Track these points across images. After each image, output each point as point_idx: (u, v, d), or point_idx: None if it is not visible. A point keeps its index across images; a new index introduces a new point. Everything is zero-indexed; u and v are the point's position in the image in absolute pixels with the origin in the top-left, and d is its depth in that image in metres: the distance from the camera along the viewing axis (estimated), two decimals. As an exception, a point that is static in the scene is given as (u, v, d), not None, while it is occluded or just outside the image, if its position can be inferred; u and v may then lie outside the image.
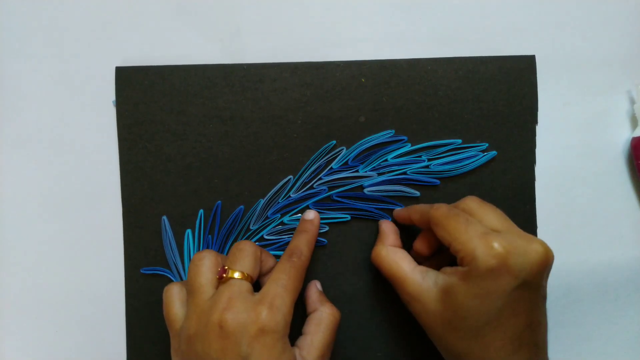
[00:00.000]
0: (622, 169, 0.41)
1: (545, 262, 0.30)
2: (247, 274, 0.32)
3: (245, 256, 0.33)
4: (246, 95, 0.39)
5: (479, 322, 0.30)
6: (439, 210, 0.33)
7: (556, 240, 0.41)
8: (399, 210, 0.38)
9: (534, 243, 0.30)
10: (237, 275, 0.32)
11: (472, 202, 0.34)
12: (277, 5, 0.41)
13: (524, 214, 0.40)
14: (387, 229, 0.37)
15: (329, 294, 0.39)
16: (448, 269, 0.32)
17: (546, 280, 0.31)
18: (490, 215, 0.32)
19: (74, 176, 0.40)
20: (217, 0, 0.41)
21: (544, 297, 0.31)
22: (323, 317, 0.34)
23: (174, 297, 0.33)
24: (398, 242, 0.37)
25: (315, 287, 0.37)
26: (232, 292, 0.31)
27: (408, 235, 0.40)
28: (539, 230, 0.40)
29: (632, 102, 0.41)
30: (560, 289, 0.40)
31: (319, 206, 0.39)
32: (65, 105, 0.40)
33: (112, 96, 0.40)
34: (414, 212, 0.36)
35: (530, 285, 0.30)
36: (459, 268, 0.31)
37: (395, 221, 0.39)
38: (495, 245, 0.29)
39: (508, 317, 0.30)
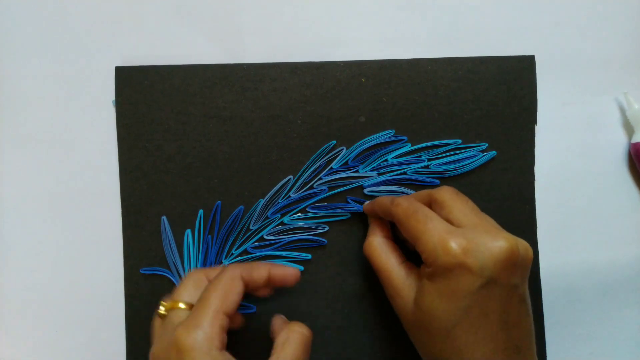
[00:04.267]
0: (622, 168, 0.41)
1: (510, 259, 0.29)
2: (175, 301, 0.32)
3: (181, 284, 0.33)
4: (246, 95, 0.39)
5: (448, 323, 0.29)
6: (399, 208, 0.32)
7: (556, 240, 0.41)
8: (366, 204, 0.38)
9: (498, 239, 0.29)
10: (162, 309, 0.32)
11: (445, 193, 0.33)
12: (277, 5, 0.41)
13: (523, 214, 0.40)
14: (378, 220, 0.37)
15: (329, 294, 0.39)
16: (422, 268, 0.31)
17: (520, 278, 0.30)
18: (459, 209, 0.32)
19: (73, 176, 0.40)
20: (217, 0, 0.41)
21: (520, 297, 0.30)
22: (289, 335, 0.31)
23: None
24: (388, 234, 0.36)
25: (278, 317, 0.35)
26: (160, 327, 0.31)
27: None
28: (538, 230, 0.40)
29: (623, 110, 0.41)
30: (560, 289, 0.40)
31: (319, 206, 0.39)
32: (65, 105, 0.40)
33: (112, 96, 0.40)
34: (378, 207, 0.36)
35: (498, 283, 0.29)
36: (425, 270, 0.30)
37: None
38: (453, 244, 0.29)
39: (478, 317, 0.29)
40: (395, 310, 0.33)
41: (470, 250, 0.29)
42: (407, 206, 0.32)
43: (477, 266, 0.28)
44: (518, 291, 0.30)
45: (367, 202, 0.38)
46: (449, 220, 0.31)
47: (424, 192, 0.35)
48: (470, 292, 0.29)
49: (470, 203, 0.33)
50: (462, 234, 0.29)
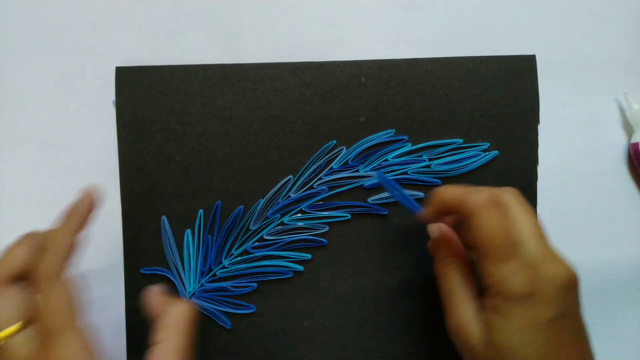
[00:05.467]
0: (623, 169, 0.41)
1: (574, 286, 0.28)
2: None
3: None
4: (246, 95, 0.39)
5: (532, 359, 0.27)
6: (480, 209, 0.29)
7: (556, 240, 0.40)
8: (426, 211, 0.33)
9: (564, 267, 0.28)
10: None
11: (512, 199, 0.30)
12: (277, 5, 0.41)
13: (524, 214, 0.40)
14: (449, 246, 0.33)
15: (329, 294, 0.39)
16: (487, 300, 0.29)
17: (580, 306, 0.29)
18: (524, 222, 0.29)
19: (74, 176, 0.40)
20: (217, 0, 0.41)
21: (583, 324, 0.29)
22: (171, 318, 0.29)
23: None
24: (465, 262, 0.33)
25: (154, 290, 0.32)
26: None
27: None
28: (539, 230, 0.40)
29: (622, 110, 0.41)
30: (560, 289, 0.40)
31: (319, 206, 0.39)
32: (65, 105, 0.40)
33: (112, 96, 0.40)
34: (445, 197, 0.31)
35: (568, 313, 0.28)
36: (492, 301, 0.28)
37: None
38: (525, 275, 0.27)
39: (558, 349, 0.27)
40: (458, 349, 0.31)
41: (541, 278, 0.27)
42: (490, 209, 0.29)
43: (550, 296, 0.27)
44: (581, 320, 0.29)
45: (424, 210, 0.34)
46: (510, 229, 0.29)
47: (486, 192, 0.30)
48: (548, 321, 0.27)
49: (534, 217, 0.30)
50: (532, 262, 0.28)
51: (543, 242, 0.29)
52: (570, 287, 0.28)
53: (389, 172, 0.39)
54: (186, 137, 0.39)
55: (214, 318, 0.39)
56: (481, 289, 0.30)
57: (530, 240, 0.29)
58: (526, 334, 0.27)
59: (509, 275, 0.27)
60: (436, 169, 0.39)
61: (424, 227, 0.40)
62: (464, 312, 0.30)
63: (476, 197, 0.30)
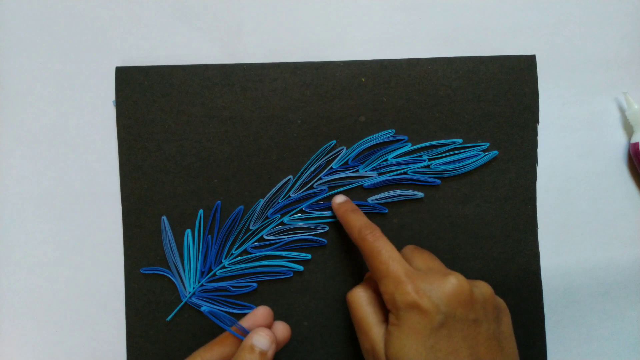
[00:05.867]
0: (622, 169, 0.41)
1: (461, 293, 0.30)
2: None
3: None
4: (246, 95, 0.39)
5: None
6: (365, 243, 0.34)
7: (556, 240, 0.41)
8: (337, 208, 0.38)
9: (448, 277, 0.31)
10: None
11: (405, 250, 0.36)
12: (277, 5, 0.41)
13: (525, 214, 0.40)
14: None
15: (329, 294, 0.39)
16: (389, 316, 0.32)
17: (482, 314, 0.31)
18: (418, 258, 0.34)
19: (74, 176, 0.40)
20: (217, 0, 0.41)
21: (488, 334, 0.31)
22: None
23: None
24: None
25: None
26: None
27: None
28: (539, 230, 0.40)
29: (622, 109, 0.41)
30: (560, 289, 0.41)
31: (319, 206, 0.39)
32: (65, 105, 0.40)
33: (112, 96, 0.40)
34: (346, 227, 0.37)
35: (457, 319, 0.30)
36: (390, 317, 0.31)
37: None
38: (408, 286, 0.30)
39: (447, 354, 0.29)
40: None
41: (423, 290, 0.30)
42: (372, 243, 0.33)
43: (431, 304, 0.30)
44: (482, 327, 0.31)
45: (339, 202, 0.38)
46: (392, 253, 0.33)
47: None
48: (432, 329, 0.29)
49: (428, 254, 0.35)
50: (418, 276, 0.31)
51: (432, 264, 0.34)
52: (456, 296, 0.30)
53: (389, 172, 0.39)
54: (186, 137, 0.39)
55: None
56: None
57: (419, 263, 0.34)
58: (412, 342, 0.30)
59: (396, 289, 0.31)
60: (436, 169, 0.39)
61: (424, 226, 0.40)
62: (374, 335, 0.32)
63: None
